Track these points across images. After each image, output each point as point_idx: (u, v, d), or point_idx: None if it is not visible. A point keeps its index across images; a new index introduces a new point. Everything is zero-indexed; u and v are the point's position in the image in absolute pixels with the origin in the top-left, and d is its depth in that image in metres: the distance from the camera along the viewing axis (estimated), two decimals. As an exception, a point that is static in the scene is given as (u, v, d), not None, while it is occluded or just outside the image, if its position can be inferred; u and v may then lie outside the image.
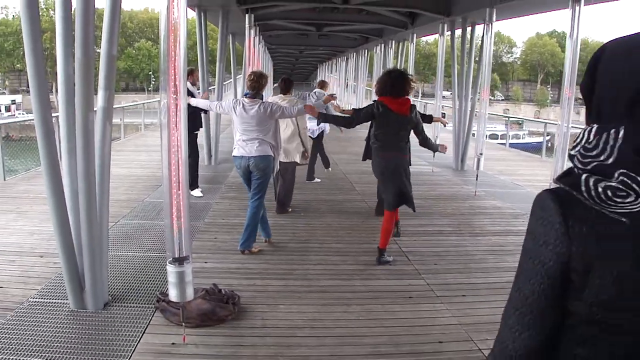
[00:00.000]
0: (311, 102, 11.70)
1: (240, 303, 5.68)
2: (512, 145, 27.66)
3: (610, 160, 1.31)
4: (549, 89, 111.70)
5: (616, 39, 1.41)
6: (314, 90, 13.79)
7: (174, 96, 4.61)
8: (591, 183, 1.31)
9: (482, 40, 13.39)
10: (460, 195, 11.87)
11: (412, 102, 7.29)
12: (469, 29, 15.16)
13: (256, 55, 18.64)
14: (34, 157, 19.08)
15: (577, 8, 8.60)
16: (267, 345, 4.96)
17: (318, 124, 11.90)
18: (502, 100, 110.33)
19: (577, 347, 1.39)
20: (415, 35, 19.96)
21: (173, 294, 4.81)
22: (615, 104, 1.34)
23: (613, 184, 1.28)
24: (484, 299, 6.16)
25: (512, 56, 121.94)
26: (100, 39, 5.51)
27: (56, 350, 4.71)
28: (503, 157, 18.22)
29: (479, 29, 14.87)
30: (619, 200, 1.27)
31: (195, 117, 10.71)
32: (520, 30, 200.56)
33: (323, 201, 10.82)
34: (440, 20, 16.10)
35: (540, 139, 56.86)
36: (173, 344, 4.89)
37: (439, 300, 6.11)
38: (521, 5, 12.82)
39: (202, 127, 11.67)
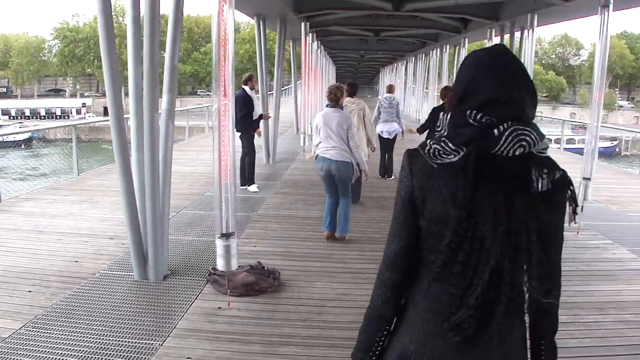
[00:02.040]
0: (384, 107, 12.86)
1: (281, 278, 6.62)
2: (571, 149, 27.70)
3: (443, 133, 2.10)
4: (617, 92, 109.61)
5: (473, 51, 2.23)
6: (384, 96, 14.30)
7: (224, 100, 5.56)
8: (428, 146, 2.09)
9: (519, 44, 13.93)
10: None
11: None
12: (517, 33, 15.67)
13: (313, 61, 19.45)
14: (102, 156, 20.37)
15: (605, 14, 9.10)
16: (299, 312, 5.89)
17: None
18: (568, 104, 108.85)
19: (427, 252, 2.15)
20: (467, 40, 20.59)
21: (220, 264, 5.83)
22: (454, 99, 2.14)
23: (438, 146, 2.06)
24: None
25: (579, 59, 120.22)
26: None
27: (121, 311, 5.80)
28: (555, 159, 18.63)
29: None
30: (440, 155, 2.05)
31: (251, 118, 11.66)
32: (588, 32, 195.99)
33: (369, 198, 11.56)
34: (489, 25, 16.72)
35: (607, 144, 56.66)
36: (219, 308, 5.86)
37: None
38: (560, 11, 13.33)
39: (258, 127, 12.46)
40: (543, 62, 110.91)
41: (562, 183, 2.03)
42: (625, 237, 9.26)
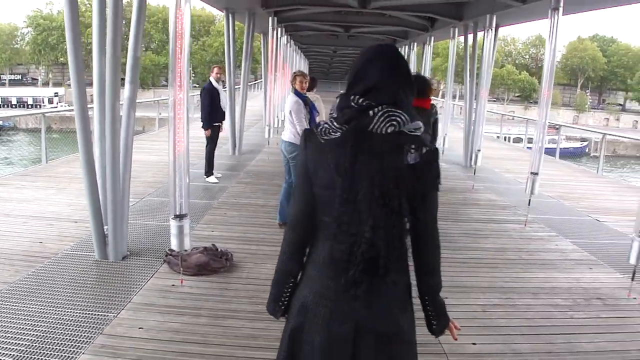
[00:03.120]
0: None
1: (233, 260, 6.99)
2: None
3: (333, 114, 2.51)
4: (589, 93, 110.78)
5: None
6: None
7: (179, 92, 5.92)
8: (321, 126, 2.50)
9: (472, 43, 14.32)
10: (458, 188, 12.92)
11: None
12: (480, 33, 16.05)
13: (282, 55, 19.71)
14: (72, 146, 20.60)
15: (555, 17, 9.49)
16: (247, 290, 6.30)
17: None
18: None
19: (322, 216, 2.53)
20: (432, 38, 21.01)
21: (174, 243, 6.22)
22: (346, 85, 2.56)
23: (327, 125, 2.47)
24: (442, 269, 7.22)
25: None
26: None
27: (80, 287, 6.16)
28: (519, 157, 19.39)
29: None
30: (328, 133, 2.46)
31: (216, 110, 11.95)
32: (561, 34, 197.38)
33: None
34: (453, 24, 17.16)
35: (577, 145, 57.44)
36: (173, 285, 6.26)
37: (403, 268, 7.20)
38: (517, 13, 13.77)
39: (224, 119, 12.70)
40: (517, 62, 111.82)
41: (428, 157, 2.43)
42: (571, 230, 9.72)
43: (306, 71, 53.29)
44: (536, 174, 9.51)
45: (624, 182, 19.81)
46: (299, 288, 2.65)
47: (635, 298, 6.70)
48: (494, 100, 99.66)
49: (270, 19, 16.98)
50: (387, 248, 2.42)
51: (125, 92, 6.90)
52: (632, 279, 6.72)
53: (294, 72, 9.02)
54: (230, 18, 16.25)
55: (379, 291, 2.49)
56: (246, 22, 16.90)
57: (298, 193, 2.62)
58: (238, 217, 9.44)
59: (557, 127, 46.97)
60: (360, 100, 2.41)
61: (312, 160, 2.50)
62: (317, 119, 9.48)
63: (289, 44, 25.18)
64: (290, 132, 8.49)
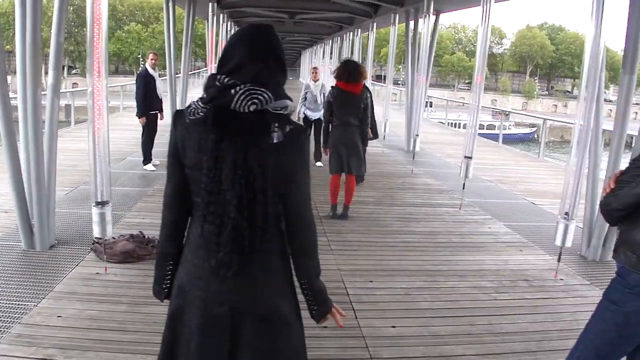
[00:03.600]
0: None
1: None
2: (488, 135, 28.51)
3: (203, 94, 2.46)
4: (537, 81, 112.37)
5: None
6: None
7: (98, 79, 5.79)
8: (190, 105, 2.45)
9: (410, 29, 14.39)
10: (397, 173, 12.97)
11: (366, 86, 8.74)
12: (422, 20, 16.06)
13: (221, 43, 19.50)
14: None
15: (487, 5, 9.56)
16: None
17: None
18: (491, 90, 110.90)
19: (195, 196, 2.49)
20: (375, 25, 21.01)
21: (96, 231, 6.13)
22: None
23: (194, 105, 2.43)
24: (370, 253, 7.35)
25: (502, 47, 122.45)
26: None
27: (5, 277, 6.04)
28: (462, 142, 19.24)
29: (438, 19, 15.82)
30: (195, 113, 2.42)
31: (152, 98, 11.73)
32: (511, 22, 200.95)
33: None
34: (394, 10, 17.16)
35: (527, 130, 58.19)
36: (97, 273, 6.15)
37: (331, 253, 7.21)
38: (452, 1, 13.90)
39: (161, 108, 12.35)
40: (467, 49, 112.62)
41: (292, 135, 2.41)
42: (505, 213, 9.81)
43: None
44: (470, 157, 9.56)
45: (564, 165, 20.03)
46: (177, 269, 2.61)
47: (562, 279, 6.79)
48: (445, 87, 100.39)
49: (210, 4, 16.76)
50: (250, 229, 2.40)
51: (48, 79, 6.74)
52: (559, 260, 6.81)
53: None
54: (170, 4, 16.01)
55: (253, 273, 2.47)
56: (186, 8, 16.67)
57: (169, 173, 2.58)
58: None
59: (506, 113, 47.67)
60: (226, 80, 2.37)
61: (181, 140, 2.46)
62: None
63: (231, 31, 24.88)
64: None
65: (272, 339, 2.52)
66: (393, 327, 5.26)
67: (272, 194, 2.41)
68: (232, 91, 2.33)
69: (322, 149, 9.08)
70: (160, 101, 12.20)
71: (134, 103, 12.43)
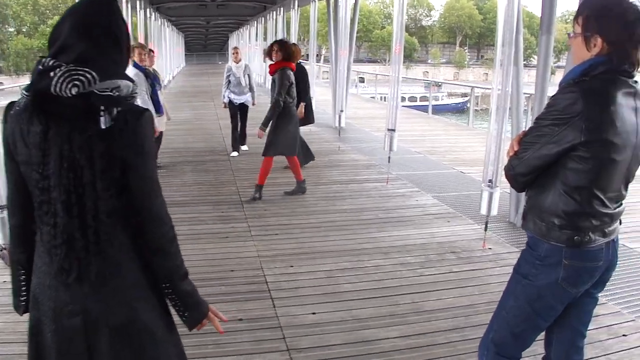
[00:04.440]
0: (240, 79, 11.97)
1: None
2: (417, 107, 28.55)
3: None
4: (467, 50, 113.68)
5: None
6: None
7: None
8: (20, 95, 2.11)
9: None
10: (323, 151, 12.57)
11: (283, 66, 8.37)
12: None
13: (143, 30, 18.98)
14: None
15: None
16: None
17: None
18: (421, 62, 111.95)
19: (34, 198, 2.14)
20: (297, 2, 20.66)
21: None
22: None
23: (21, 94, 2.09)
24: (292, 236, 6.99)
25: (431, 19, 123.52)
26: None
27: None
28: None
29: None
30: (19, 103, 2.08)
31: None
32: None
33: (189, 162, 11.44)
34: (313, -13, 16.84)
35: (459, 100, 58.66)
36: (4, 282, 5.58)
37: (251, 239, 6.88)
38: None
39: None
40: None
41: (122, 119, 2.08)
42: (433, 185, 9.61)
43: (182, 45, 52.23)
44: (393, 130, 9.32)
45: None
46: (31, 278, 2.28)
47: (490, 248, 6.59)
48: (377, 62, 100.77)
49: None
50: (82, 228, 2.08)
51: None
52: (485, 229, 6.60)
53: (133, 44, 8.54)
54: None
55: (101, 278, 2.14)
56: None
57: (6, 174, 2.23)
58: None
59: (438, 84, 48.00)
60: (50, 62, 2.04)
61: (12, 135, 2.11)
62: (159, 93, 9.00)
63: (152, 17, 24.27)
64: None
65: (132, 352, 2.21)
66: (313, 313, 4.96)
67: (105, 187, 2.08)
68: (52, 74, 1.99)
69: (260, 130, 8.64)
70: None
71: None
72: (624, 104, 2.61)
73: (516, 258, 6.05)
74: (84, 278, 2.11)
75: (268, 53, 8.57)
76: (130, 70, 8.13)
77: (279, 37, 24.26)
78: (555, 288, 2.83)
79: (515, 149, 2.84)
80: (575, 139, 2.60)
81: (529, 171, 2.79)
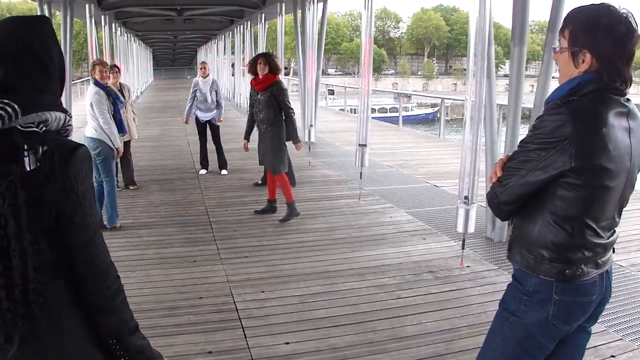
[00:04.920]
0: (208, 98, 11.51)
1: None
2: (387, 119, 28.44)
3: None
4: (435, 61, 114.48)
5: None
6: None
7: None
8: None
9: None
10: (293, 167, 12.33)
11: (276, 80, 8.18)
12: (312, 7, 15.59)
13: (107, 45, 18.63)
14: None
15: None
16: None
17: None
18: (391, 74, 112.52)
19: None
20: (264, 16, 20.48)
21: None
22: None
23: None
24: (262, 259, 6.71)
25: (399, 31, 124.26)
26: None
27: None
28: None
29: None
30: None
31: None
32: (406, 6, 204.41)
33: (157, 181, 11.12)
34: (279, 0, 16.63)
35: (429, 111, 58.77)
36: None
37: (220, 262, 6.59)
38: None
39: None
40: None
41: (49, 159, 1.78)
42: (407, 200, 9.40)
43: (150, 60, 51.86)
44: (364, 145, 9.10)
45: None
46: None
47: (468, 266, 6.39)
48: (346, 75, 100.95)
49: (87, 6, 15.78)
50: (8, 287, 1.76)
51: None
52: (463, 247, 6.37)
53: (93, 61, 8.30)
54: (46, 7, 14.91)
55: (35, 340, 1.82)
56: (62, 11, 15.62)
57: None
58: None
59: (407, 95, 48.03)
60: None
61: None
62: (122, 111, 8.70)
63: (118, 32, 23.94)
64: (92, 127, 7.70)
65: None
66: (287, 343, 4.70)
67: (34, 240, 1.76)
68: None
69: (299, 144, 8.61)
70: None
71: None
72: (616, 125, 2.38)
73: (495, 276, 6.04)
74: (13, 342, 1.79)
75: (252, 67, 8.21)
76: (91, 89, 7.87)
77: (247, 51, 24.19)
78: (545, 325, 2.57)
79: (499, 174, 2.58)
80: (565, 165, 2.36)
81: (513, 199, 2.55)
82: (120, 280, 1.99)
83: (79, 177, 1.83)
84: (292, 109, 8.20)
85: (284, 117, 8.18)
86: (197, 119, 11.68)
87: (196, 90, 11.50)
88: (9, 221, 1.72)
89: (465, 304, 5.44)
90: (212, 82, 11.69)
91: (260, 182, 10.31)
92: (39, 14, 14.72)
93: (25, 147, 1.74)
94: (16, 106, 1.72)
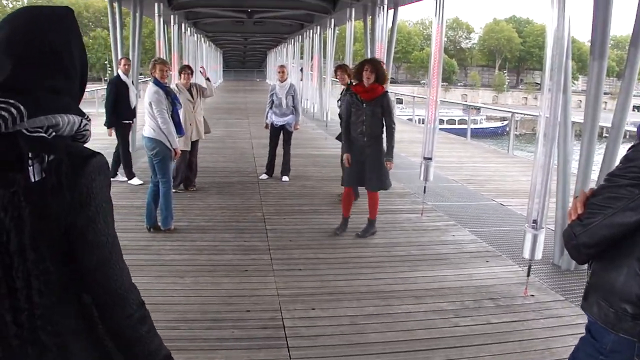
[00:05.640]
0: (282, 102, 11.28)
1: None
2: (455, 130, 28.00)
3: None
4: (506, 74, 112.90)
5: None
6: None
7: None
8: None
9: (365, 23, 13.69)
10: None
11: (385, 91, 7.79)
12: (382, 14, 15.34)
13: (176, 44, 18.69)
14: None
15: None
16: None
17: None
18: (461, 85, 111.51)
19: None
20: (333, 21, 20.29)
21: None
22: None
23: None
24: (316, 273, 6.47)
25: (470, 42, 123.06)
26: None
27: None
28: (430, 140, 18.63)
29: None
30: None
31: (124, 107, 10.66)
32: (478, 16, 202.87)
33: (215, 183, 10.99)
34: (350, 5, 16.43)
35: (498, 124, 57.92)
36: None
37: (272, 274, 6.36)
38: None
39: (134, 117, 11.43)
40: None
41: (56, 168, 1.56)
42: (471, 218, 9.02)
43: (220, 61, 52.31)
44: (430, 159, 8.78)
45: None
46: None
47: (532, 295, 5.98)
48: (415, 84, 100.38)
49: (156, 5, 15.81)
50: (14, 309, 1.56)
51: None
52: (528, 274, 5.99)
53: (154, 60, 8.16)
54: (116, 4, 15.05)
55: None
56: (131, 9, 15.75)
57: None
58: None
59: (477, 108, 47.58)
60: None
61: None
62: (180, 111, 8.56)
63: (187, 32, 24.06)
64: (150, 127, 7.60)
65: None
66: (334, 369, 4.43)
67: (39, 259, 1.55)
68: None
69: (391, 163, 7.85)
70: (134, 109, 11.19)
71: (91, 110, 11.38)
72: None
73: (561, 308, 5.64)
74: None
75: (357, 72, 7.68)
76: (150, 88, 7.79)
77: (315, 56, 24.04)
78: None
79: (579, 211, 2.21)
80: None
81: (596, 242, 2.16)
82: (144, 308, 1.78)
83: (91, 189, 1.61)
84: (395, 124, 7.74)
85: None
86: (271, 123, 11.50)
87: (273, 94, 11.35)
88: (12, 237, 1.52)
89: (527, 338, 5.06)
90: (290, 87, 11.44)
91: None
92: (109, 11, 14.87)
93: (30, 155, 1.53)
94: (22, 107, 1.51)
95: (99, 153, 1.67)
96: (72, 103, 1.69)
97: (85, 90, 1.85)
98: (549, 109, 5.89)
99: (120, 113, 10.67)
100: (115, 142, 10.91)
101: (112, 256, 1.68)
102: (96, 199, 1.62)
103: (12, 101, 1.50)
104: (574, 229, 2.22)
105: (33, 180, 1.52)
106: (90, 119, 1.73)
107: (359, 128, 7.64)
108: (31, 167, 1.52)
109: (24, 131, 1.51)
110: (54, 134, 1.57)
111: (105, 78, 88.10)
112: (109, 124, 10.71)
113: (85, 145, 1.71)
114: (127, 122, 10.90)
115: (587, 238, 2.18)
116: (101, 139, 9.69)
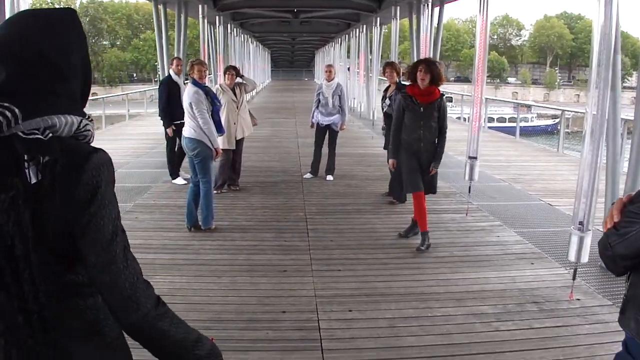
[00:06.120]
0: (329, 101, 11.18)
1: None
2: (505, 129, 27.67)
3: None
4: (558, 71, 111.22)
5: None
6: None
7: None
8: None
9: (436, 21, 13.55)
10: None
11: (442, 93, 7.50)
12: (427, 11, 15.20)
13: (221, 45, 18.76)
14: None
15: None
16: None
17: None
18: (512, 83, 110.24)
19: None
20: (379, 20, 20.17)
21: None
22: None
23: None
24: (355, 274, 6.38)
25: (520, 39, 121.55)
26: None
27: None
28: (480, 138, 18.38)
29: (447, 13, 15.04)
30: None
31: (176, 107, 10.65)
32: (529, 13, 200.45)
33: (259, 183, 10.98)
34: (395, 3, 16.30)
35: (549, 122, 57.05)
36: None
37: (310, 274, 6.30)
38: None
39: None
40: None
41: (53, 170, 1.54)
42: (517, 218, 8.82)
43: (268, 61, 52.58)
44: (475, 158, 8.61)
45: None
46: None
47: (578, 299, 5.79)
48: (465, 82, 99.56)
49: (200, 6, 15.87)
50: (23, 312, 1.58)
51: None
52: (574, 278, 5.79)
53: (191, 61, 8.17)
54: (161, 7, 15.22)
55: None
56: (176, 11, 15.89)
57: None
58: (148, 221, 8.38)
59: (527, 105, 46.97)
60: None
61: None
62: (221, 112, 8.56)
63: (233, 33, 24.16)
64: (191, 127, 7.61)
65: None
66: (369, 374, 4.32)
67: (43, 261, 1.56)
68: None
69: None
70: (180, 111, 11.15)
71: (140, 110, 11.49)
72: None
73: (607, 314, 5.43)
74: None
75: (412, 73, 7.33)
76: (190, 88, 7.79)
77: (362, 55, 23.91)
78: None
79: (616, 219, 2.06)
80: None
81: (633, 253, 2.00)
82: (161, 303, 1.72)
83: (93, 186, 1.58)
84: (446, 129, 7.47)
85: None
86: (317, 122, 11.44)
87: (319, 93, 11.29)
88: (16, 242, 1.52)
89: (571, 344, 4.87)
90: (336, 87, 11.33)
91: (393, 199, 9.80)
92: (154, 13, 15.01)
93: (26, 157, 1.51)
94: (16, 110, 1.49)
95: (100, 149, 1.64)
96: (71, 104, 1.65)
97: (91, 90, 1.81)
98: (596, 105, 5.70)
99: (171, 113, 10.66)
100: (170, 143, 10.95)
101: (119, 256, 1.63)
102: (98, 196, 1.59)
103: (6, 104, 1.48)
104: (610, 239, 2.07)
105: (31, 182, 1.51)
106: (92, 119, 1.71)
107: (416, 133, 7.28)
108: (28, 170, 1.51)
109: (20, 134, 1.50)
110: (50, 135, 1.54)
111: (156, 79, 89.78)
112: (166, 124, 10.78)
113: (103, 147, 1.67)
114: (179, 122, 10.87)
115: (623, 249, 2.02)
116: (148, 139, 9.74)
